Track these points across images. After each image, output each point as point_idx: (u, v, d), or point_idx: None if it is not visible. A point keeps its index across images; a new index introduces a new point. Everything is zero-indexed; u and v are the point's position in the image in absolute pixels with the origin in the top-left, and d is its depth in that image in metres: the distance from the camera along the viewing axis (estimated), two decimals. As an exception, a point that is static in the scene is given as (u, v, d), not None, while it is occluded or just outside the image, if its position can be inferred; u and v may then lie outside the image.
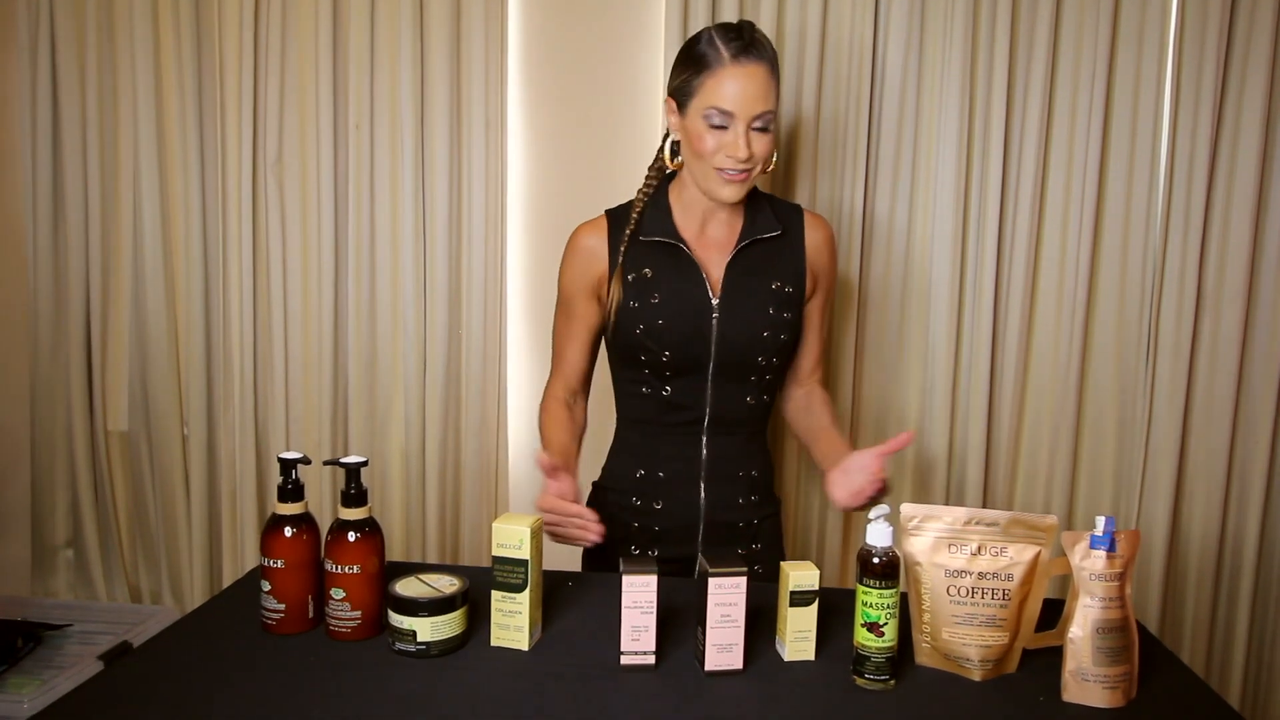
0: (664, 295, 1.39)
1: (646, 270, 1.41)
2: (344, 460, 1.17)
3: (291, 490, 1.17)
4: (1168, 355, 1.86)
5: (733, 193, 1.35)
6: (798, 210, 1.48)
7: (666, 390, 1.43)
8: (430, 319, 1.99)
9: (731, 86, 1.30)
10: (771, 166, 1.41)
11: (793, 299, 1.43)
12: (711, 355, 1.40)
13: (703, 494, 1.45)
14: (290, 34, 1.96)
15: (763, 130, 1.32)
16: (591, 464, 1.54)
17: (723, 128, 1.31)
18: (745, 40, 1.31)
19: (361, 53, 1.94)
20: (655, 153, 1.48)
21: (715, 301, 1.39)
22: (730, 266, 1.41)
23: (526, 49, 1.96)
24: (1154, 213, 1.86)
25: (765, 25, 1.84)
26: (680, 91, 1.36)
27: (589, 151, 1.95)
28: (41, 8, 2.00)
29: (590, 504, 1.55)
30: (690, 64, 1.34)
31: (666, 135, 1.44)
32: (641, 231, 1.42)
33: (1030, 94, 1.82)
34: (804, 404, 1.56)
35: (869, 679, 1.07)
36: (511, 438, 2.04)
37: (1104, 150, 1.84)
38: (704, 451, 1.44)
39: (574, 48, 1.95)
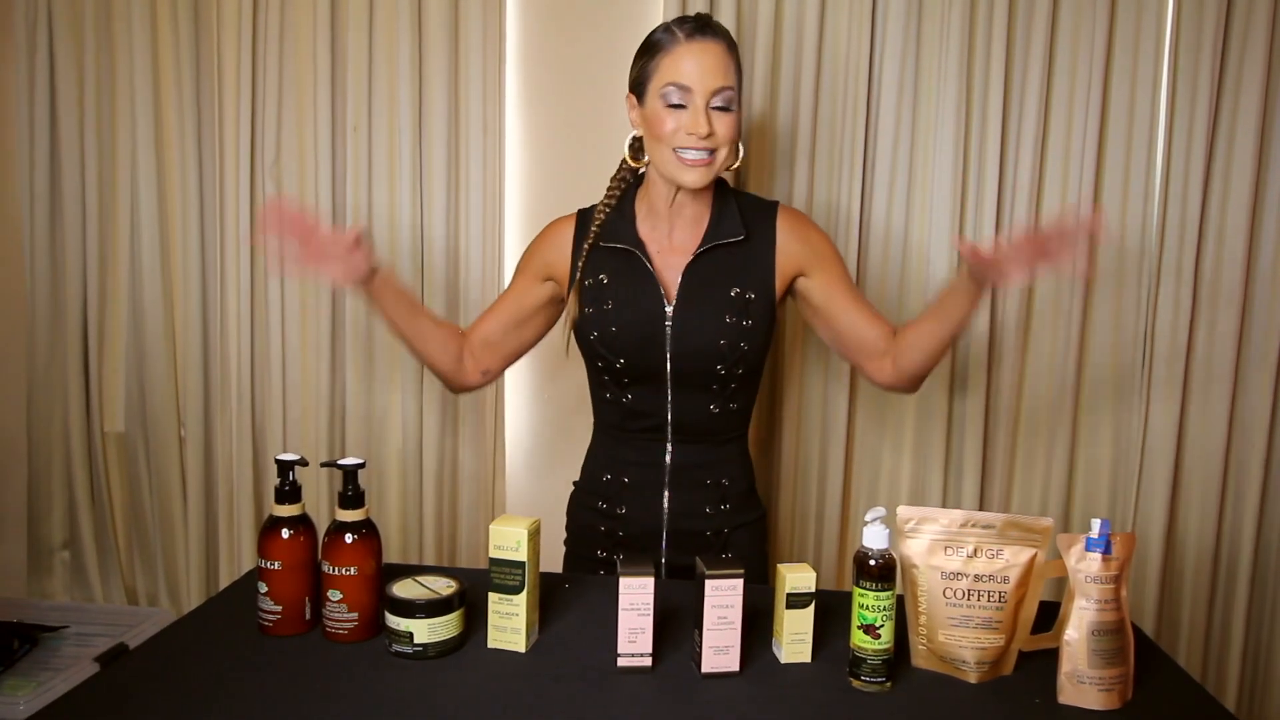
0: (617, 302, 1.38)
1: (603, 277, 1.40)
2: (341, 462, 1.17)
3: (289, 492, 1.17)
4: (1164, 357, 1.87)
5: (696, 177, 1.31)
6: (771, 208, 1.43)
7: (627, 397, 1.41)
8: (428, 321, 2.00)
9: (688, 61, 1.29)
10: (738, 162, 1.39)
11: (755, 305, 1.38)
12: (667, 363, 1.38)
13: (666, 501, 1.43)
14: (288, 36, 1.96)
15: (724, 109, 1.30)
16: (574, 466, 1.56)
17: (681, 106, 1.29)
18: (699, 21, 1.32)
19: (359, 55, 1.94)
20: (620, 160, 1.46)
21: (669, 309, 1.37)
22: (688, 273, 1.38)
23: (524, 52, 1.96)
24: (1150, 214, 1.86)
25: (762, 28, 1.85)
26: (638, 81, 1.35)
27: (586, 155, 1.96)
28: (39, 8, 2.00)
29: (568, 505, 1.56)
30: (646, 52, 1.34)
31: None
32: (601, 238, 1.41)
33: (1026, 95, 1.82)
34: (903, 348, 1.39)
35: (865, 681, 1.07)
36: (509, 439, 2.04)
37: (1100, 150, 1.84)
38: (668, 458, 1.43)
39: (571, 52, 1.95)
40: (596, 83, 1.94)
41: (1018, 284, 1.22)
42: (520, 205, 2.00)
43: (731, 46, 1.33)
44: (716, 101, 1.29)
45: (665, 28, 1.33)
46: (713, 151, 1.31)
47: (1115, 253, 1.88)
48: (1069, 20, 1.82)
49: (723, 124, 1.30)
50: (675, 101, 1.29)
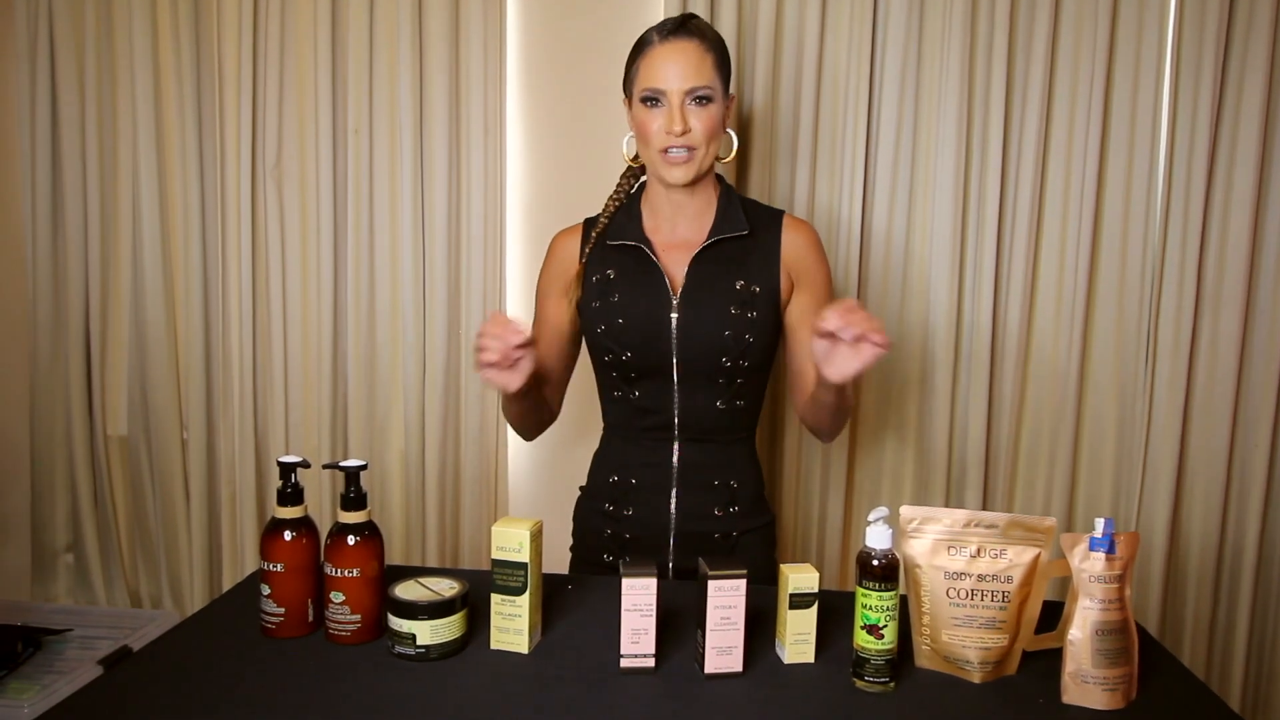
0: (624, 295, 1.40)
1: (610, 271, 1.42)
2: (343, 464, 1.17)
3: (291, 494, 1.17)
4: (1167, 356, 1.87)
5: (680, 174, 1.35)
6: (778, 215, 1.45)
7: (635, 394, 1.42)
8: (429, 322, 2.00)
9: (662, 64, 1.33)
10: (731, 155, 1.43)
11: (760, 298, 1.39)
12: (674, 355, 1.38)
13: (674, 502, 1.43)
14: (289, 38, 1.97)
15: (701, 105, 1.33)
16: (582, 471, 1.55)
17: (658, 105, 1.34)
18: (678, 22, 1.35)
19: (360, 57, 1.94)
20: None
21: (675, 301, 1.38)
22: (693, 266, 1.39)
23: (525, 53, 1.96)
24: (1153, 214, 1.86)
25: (763, 30, 1.85)
26: (626, 85, 1.40)
27: (587, 155, 1.96)
28: (40, 12, 2.00)
29: (575, 511, 1.56)
30: (631, 56, 1.38)
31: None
32: (608, 235, 1.44)
33: (1029, 96, 1.82)
34: (803, 401, 1.43)
35: (869, 681, 1.07)
36: (511, 440, 2.05)
37: (1103, 151, 1.84)
38: (675, 458, 1.43)
39: (572, 52, 1.95)
40: (597, 82, 1.94)
41: (842, 377, 1.16)
42: (521, 205, 2.00)
43: (711, 43, 1.35)
44: (693, 100, 1.33)
45: (647, 31, 1.37)
46: (692, 149, 1.34)
47: (1119, 250, 1.87)
48: (1071, 23, 1.82)
49: (700, 119, 1.33)
50: (652, 103, 1.34)
